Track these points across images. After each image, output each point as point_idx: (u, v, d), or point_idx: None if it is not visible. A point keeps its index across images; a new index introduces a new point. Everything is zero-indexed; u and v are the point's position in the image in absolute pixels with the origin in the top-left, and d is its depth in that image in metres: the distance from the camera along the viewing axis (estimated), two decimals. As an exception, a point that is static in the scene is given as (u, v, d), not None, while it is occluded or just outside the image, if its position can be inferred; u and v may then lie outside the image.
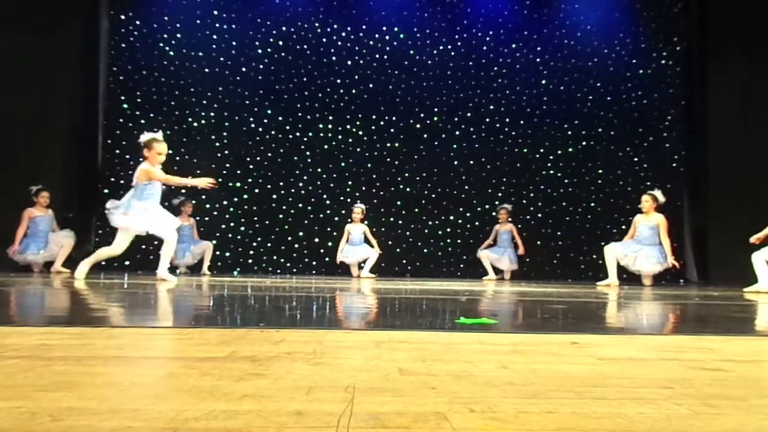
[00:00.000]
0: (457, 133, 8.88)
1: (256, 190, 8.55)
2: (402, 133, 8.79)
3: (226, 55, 8.59)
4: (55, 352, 1.32)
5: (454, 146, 8.85)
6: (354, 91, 8.77)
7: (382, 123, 8.78)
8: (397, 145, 8.78)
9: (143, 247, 8.21)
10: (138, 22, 8.46)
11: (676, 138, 8.81)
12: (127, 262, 8.06)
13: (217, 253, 8.10)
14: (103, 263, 7.96)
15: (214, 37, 8.61)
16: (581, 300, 3.87)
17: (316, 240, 8.60)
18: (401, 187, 8.77)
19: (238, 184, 8.48)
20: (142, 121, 8.38)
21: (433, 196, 8.77)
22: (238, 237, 8.43)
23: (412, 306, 3.19)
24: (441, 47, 8.94)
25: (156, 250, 8.04)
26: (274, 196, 8.59)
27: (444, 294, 4.19)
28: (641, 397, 1.00)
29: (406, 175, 8.78)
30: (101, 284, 4.56)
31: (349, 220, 8.15)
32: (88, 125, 8.27)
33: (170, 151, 8.34)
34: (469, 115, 8.90)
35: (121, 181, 8.31)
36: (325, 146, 8.68)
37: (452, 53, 8.95)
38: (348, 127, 8.74)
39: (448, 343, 1.58)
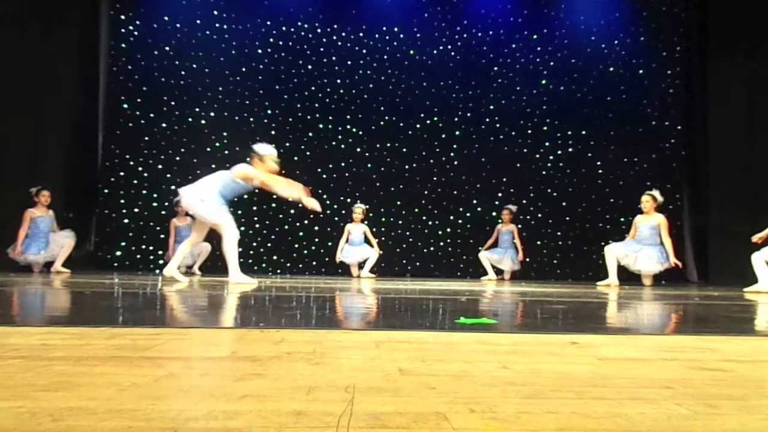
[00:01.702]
0: (457, 133, 8.88)
1: (256, 190, 8.52)
2: (402, 133, 8.78)
3: (226, 55, 8.59)
4: (55, 352, 1.32)
5: (454, 146, 8.85)
6: (354, 91, 8.77)
7: (382, 123, 8.78)
8: (397, 145, 8.78)
9: (143, 247, 8.23)
10: (138, 22, 8.46)
11: (676, 138, 8.81)
12: (127, 263, 8.07)
13: (217, 253, 8.07)
14: (103, 263, 8.00)
15: (214, 37, 8.61)
16: (581, 300, 3.87)
17: (316, 240, 8.60)
18: (401, 187, 8.76)
19: (238, 184, 8.47)
20: (142, 121, 8.39)
21: (433, 196, 8.77)
22: (238, 237, 8.41)
23: (412, 306, 3.19)
24: (441, 47, 8.93)
25: (156, 250, 8.07)
26: (274, 197, 8.56)
27: (444, 294, 4.19)
28: (641, 397, 1.00)
29: (406, 175, 8.77)
30: (103, 284, 4.56)
31: (349, 220, 8.15)
32: (88, 125, 8.27)
33: (170, 151, 8.43)
34: (469, 115, 8.89)
35: (121, 182, 8.32)
36: (325, 146, 8.67)
37: (452, 53, 8.95)
38: (348, 127, 8.73)
39: (448, 343, 1.58)
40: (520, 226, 8.38)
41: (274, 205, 8.58)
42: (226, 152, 8.53)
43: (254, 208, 8.51)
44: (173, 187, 8.36)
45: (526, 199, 8.79)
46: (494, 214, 8.55)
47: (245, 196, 8.48)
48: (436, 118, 8.85)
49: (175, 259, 5.36)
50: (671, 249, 6.73)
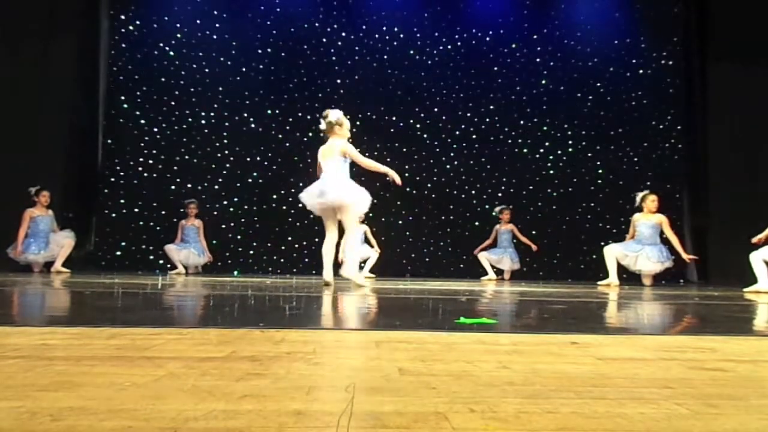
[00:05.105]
0: (457, 133, 8.87)
1: (256, 190, 8.54)
2: (402, 133, 8.78)
3: (226, 55, 8.59)
4: (55, 352, 1.32)
5: (454, 146, 8.84)
6: (354, 91, 8.77)
7: (381, 123, 8.78)
8: (397, 145, 8.77)
9: (143, 247, 8.23)
10: (138, 22, 8.46)
11: (676, 138, 8.81)
12: (127, 263, 8.07)
13: (217, 252, 8.11)
14: (103, 263, 8.01)
15: (214, 37, 8.61)
16: (581, 300, 3.87)
17: (316, 240, 8.58)
18: (401, 186, 8.74)
19: (238, 184, 8.48)
20: (142, 121, 8.39)
21: (433, 196, 8.77)
22: (238, 237, 8.43)
23: (412, 306, 3.19)
24: (441, 47, 8.93)
25: (156, 250, 8.07)
26: (274, 196, 8.58)
27: (444, 294, 4.19)
28: (641, 397, 1.00)
29: (406, 175, 8.73)
30: (103, 284, 4.56)
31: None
32: (88, 125, 8.28)
33: (170, 151, 8.43)
34: (469, 114, 8.89)
35: (121, 181, 8.32)
36: (325, 146, 8.67)
37: (452, 53, 8.95)
38: (347, 126, 8.72)
39: (448, 343, 1.58)
40: (520, 226, 8.37)
41: (274, 205, 8.58)
42: (226, 152, 8.54)
43: (254, 207, 8.52)
44: (173, 187, 8.40)
45: (526, 199, 8.79)
46: (494, 214, 8.55)
47: (245, 196, 8.51)
48: (435, 118, 8.85)
49: (348, 261, 4.82)
50: (679, 245, 6.78)
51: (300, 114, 8.65)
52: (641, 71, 8.89)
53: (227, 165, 8.51)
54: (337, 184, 4.82)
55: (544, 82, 8.94)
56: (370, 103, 8.77)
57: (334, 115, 5.04)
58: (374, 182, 8.59)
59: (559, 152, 8.89)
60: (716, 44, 8.33)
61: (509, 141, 8.89)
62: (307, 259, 8.56)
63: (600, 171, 8.83)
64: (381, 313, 2.78)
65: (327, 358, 1.32)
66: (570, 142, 8.89)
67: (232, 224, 8.43)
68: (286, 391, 0.98)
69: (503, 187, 8.84)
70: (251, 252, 8.45)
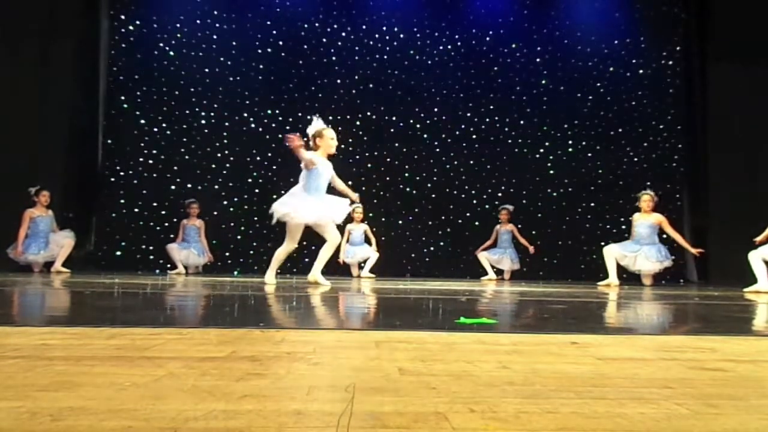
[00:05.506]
0: (457, 133, 8.87)
1: (256, 190, 8.54)
2: (402, 133, 8.77)
3: (226, 55, 8.58)
4: (55, 352, 1.32)
5: (454, 146, 8.84)
6: (354, 91, 8.77)
7: (382, 123, 8.77)
8: (397, 145, 8.77)
9: (143, 247, 8.22)
10: (138, 22, 8.45)
11: (676, 138, 8.80)
12: (127, 263, 8.06)
13: (217, 252, 8.11)
14: (103, 263, 8.01)
15: (214, 37, 8.60)
16: (581, 300, 3.87)
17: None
18: (401, 187, 8.76)
19: (238, 184, 8.48)
20: (142, 121, 8.39)
21: (433, 196, 8.76)
22: (238, 237, 8.42)
23: (412, 306, 3.19)
24: (441, 47, 8.93)
25: (156, 250, 8.07)
26: (274, 196, 8.53)
27: (444, 294, 4.19)
28: (641, 397, 1.00)
29: (406, 175, 8.76)
30: (100, 284, 4.56)
31: (349, 220, 8.14)
32: (88, 125, 8.27)
33: (170, 151, 8.42)
34: (469, 114, 8.89)
35: (121, 182, 8.32)
36: (325, 146, 8.66)
37: (452, 53, 8.94)
38: (348, 127, 8.72)
39: (448, 343, 1.58)
40: (520, 226, 8.37)
41: (274, 205, 8.56)
42: (226, 152, 8.53)
43: (254, 208, 8.51)
44: (173, 187, 8.39)
45: (526, 199, 8.79)
46: (494, 214, 8.54)
47: (245, 196, 8.51)
48: (435, 118, 8.85)
49: (317, 265, 5.22)
50: (683, 241, 6.81)
51: (300, 114, 8.62)
52: (641, 71, 8.88)
53: (227, 165, 8.50)
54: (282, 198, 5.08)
55: (544, 82, 8.94)
56: (370, 103, 8.76)
57: (311, 129, 5.06)
58: (374, 182, 8.65)
59: (559, 152, 8.88)
60: (716, 44, 8.33)
61: (509, 141, 8.89)
62: (307, 260, 8.54)
63: (600, 171, 8.82)
64: (381, 313, 2.78)
65: (327, 358, 1.32)
66: (570, 142, 8.88)
67: (232, 224, 8.42)
68: (286, 391, 0.98)
69: (503, 187, 8.83)
70: (251, 252, 8.43)
